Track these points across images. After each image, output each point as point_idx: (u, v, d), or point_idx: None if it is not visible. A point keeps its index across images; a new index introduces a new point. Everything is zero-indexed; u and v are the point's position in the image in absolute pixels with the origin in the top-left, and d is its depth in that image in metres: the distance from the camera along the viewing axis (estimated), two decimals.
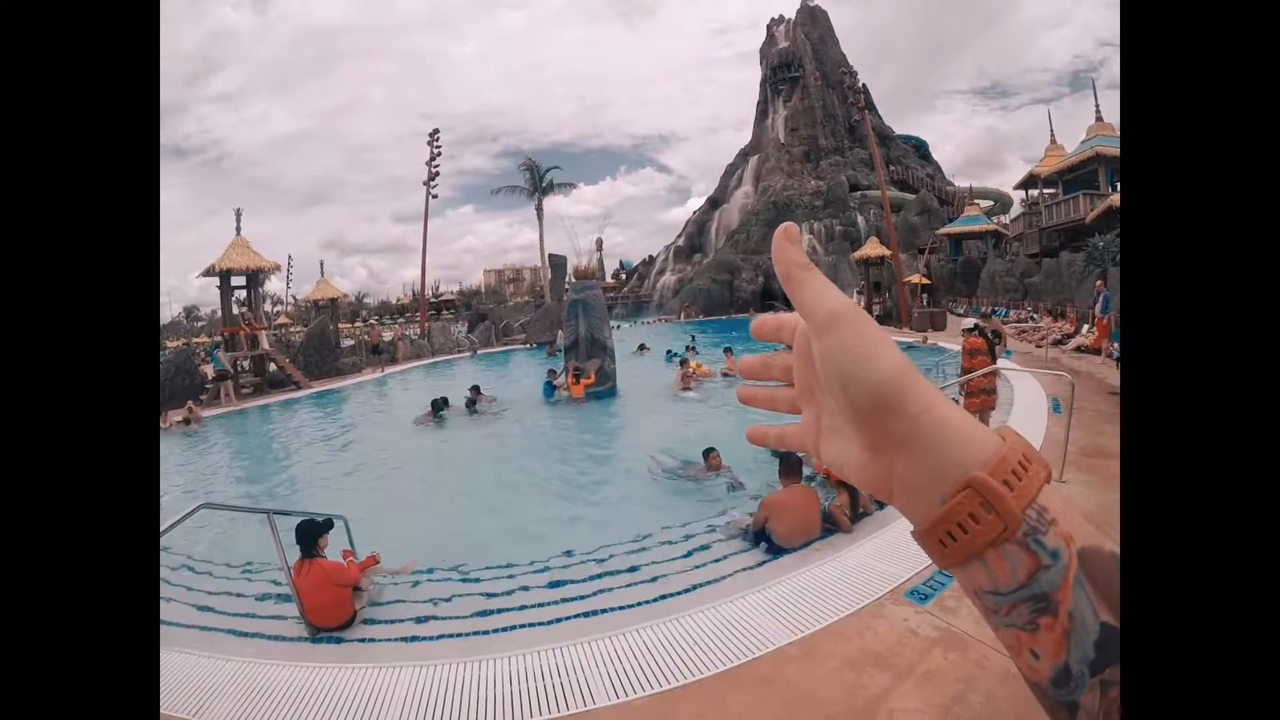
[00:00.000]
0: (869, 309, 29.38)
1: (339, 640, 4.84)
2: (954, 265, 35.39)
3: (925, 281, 28.87)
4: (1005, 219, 45.53)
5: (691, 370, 16.38)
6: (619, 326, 28.83)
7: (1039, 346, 17.84)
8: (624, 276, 67.03)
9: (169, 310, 68.72)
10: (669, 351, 22.79)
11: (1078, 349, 16.43)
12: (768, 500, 5.88)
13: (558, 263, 37.95)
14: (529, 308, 40.01)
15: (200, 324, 62.49)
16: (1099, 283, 17.38)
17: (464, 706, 3.73)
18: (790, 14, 68.82)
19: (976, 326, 9.62)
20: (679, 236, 64.66)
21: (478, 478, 10.26)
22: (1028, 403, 10.54)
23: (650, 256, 66.35)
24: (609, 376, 16.06)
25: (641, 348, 24.31)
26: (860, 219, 51.88)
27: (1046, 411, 9.71)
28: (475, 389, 15.14)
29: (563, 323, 17.80)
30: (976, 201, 42.13)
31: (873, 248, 30.43)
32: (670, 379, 16.86)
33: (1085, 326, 17.69)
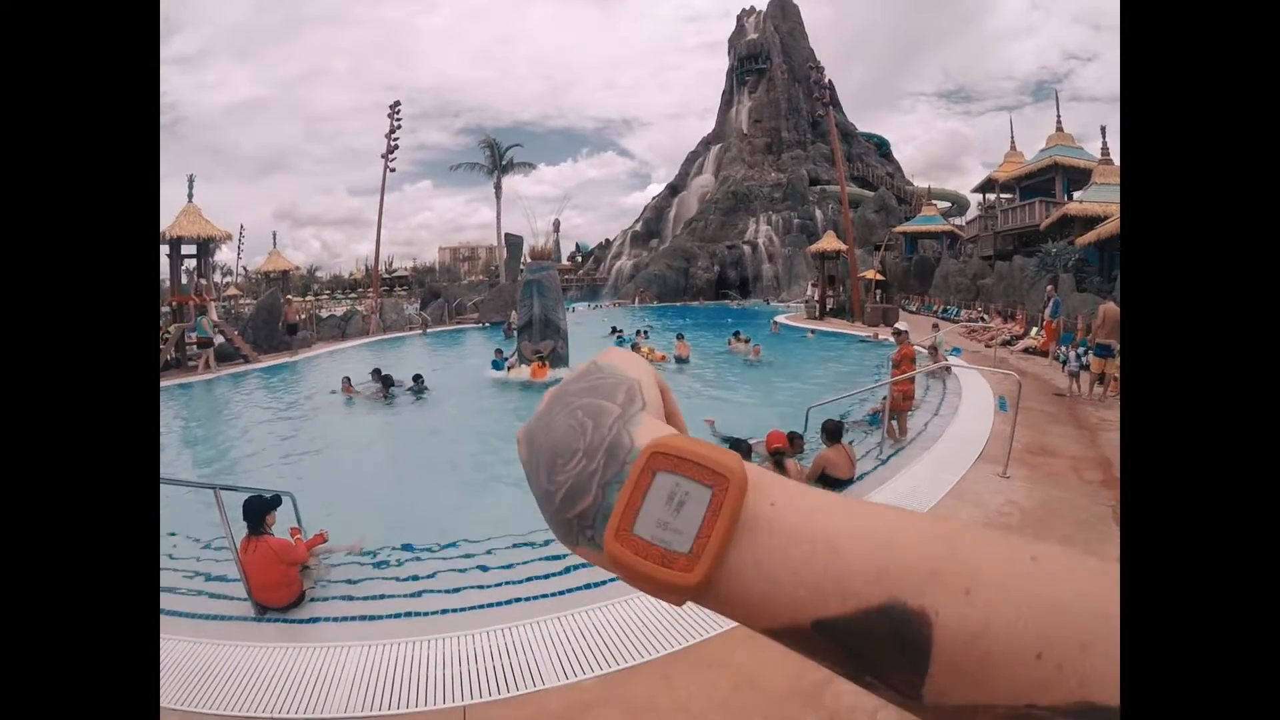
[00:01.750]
0: (823, 302, 29.69)
1: (286, 620, 4.71)
2: (909, 263, 35.98)
3: (879, 278, 29.29)
4: (961, 221, 46.45)
5: (644, 355, 16.36)
6: (573, 309, 28.67)
7: (988, 346, 18.19)
8: (580, 259, 66.82)
9: None
10: (618, 335, 22.86)
11: (1025, 350, 16.80)
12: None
13: (514, 242, 37.55)
14: (483, 287, 39.52)
15: None
16: (1049, 287, 17.85)
17: (413, 686, 3.68)
18: (762, 6, 69.16)
19: (899, 332, 9.86)
20: (637, 222, 64.65)
21: (427, 457, 10.15)
22: (975, 400, 10.69)
23: (607, 240, 66.37)
24: (561, 359, 15.94)
25: (615, 331, 24.08)
26: (818, 213, 52.37)
27: (993, 409, 9.82)
28: (417, 377, 14.65)
29: (516, 303, 17.54)
30: (934, 202, 42.86)
31: (829, 242, 30.67)
32: None
33: (1034, 329, 18.10)
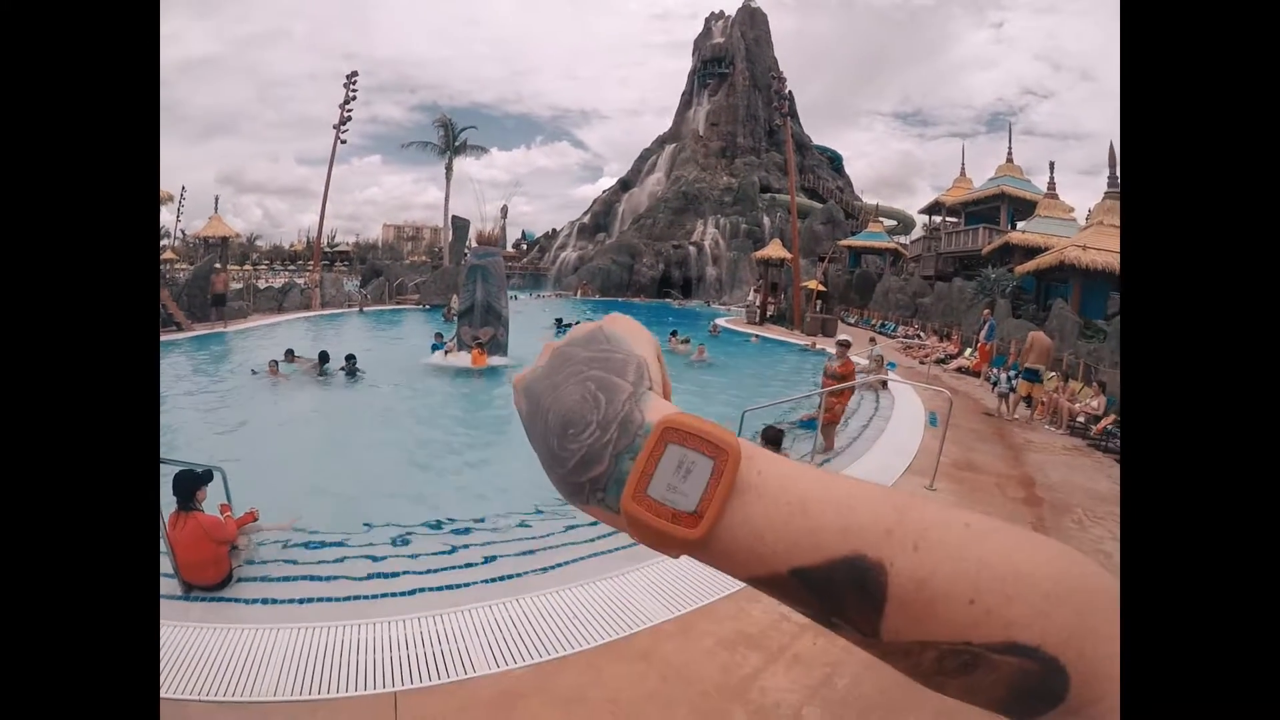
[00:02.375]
0: (764, 308, 30.00)
1: (214, 599, 4.54)
2: (851, 276, 36.60)
3: (821, 289, 29.73)
4: (906, 240, 47.34)
5: None
6: (516, 298, 28.38)
7: (922, 363, 18.65)
8: (525, 247, 66.21)
9: None
10: (558, 321, 22.73)
11: (959, 370, 17.28)
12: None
13: (460, 225, 36.98)
14: (426, 268, 38.82)
15: None
16: (986, 311, 18.41)
17: (342, 670, 3.63)
18: (731, 11, 69.40)
19: (844, 344, 9.92)
20: (585, 214, 64.44)
21: (360, 440, 9.92)
22: (906, 414, 10.92)
23: (554, 230, 65.83)
24: (501, 346, 15.73)
25: (559, 322, 23.78)
26: (766, 220, 52.90)
27: (923, 424, 10.04)
28: (350, 356, 14.06)
29: (459, 287, 17.23)
30: (881, 219, 43.73)
31: (775, 249, 31.05)
32: None
33: (968, 350, 18.60)
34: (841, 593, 0.40)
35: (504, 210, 54.03)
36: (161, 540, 4.51)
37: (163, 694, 3.35)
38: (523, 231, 70.49)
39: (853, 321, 30.38)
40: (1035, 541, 0.41)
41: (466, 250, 27.12)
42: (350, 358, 13.85)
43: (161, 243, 46.74)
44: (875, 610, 0.40)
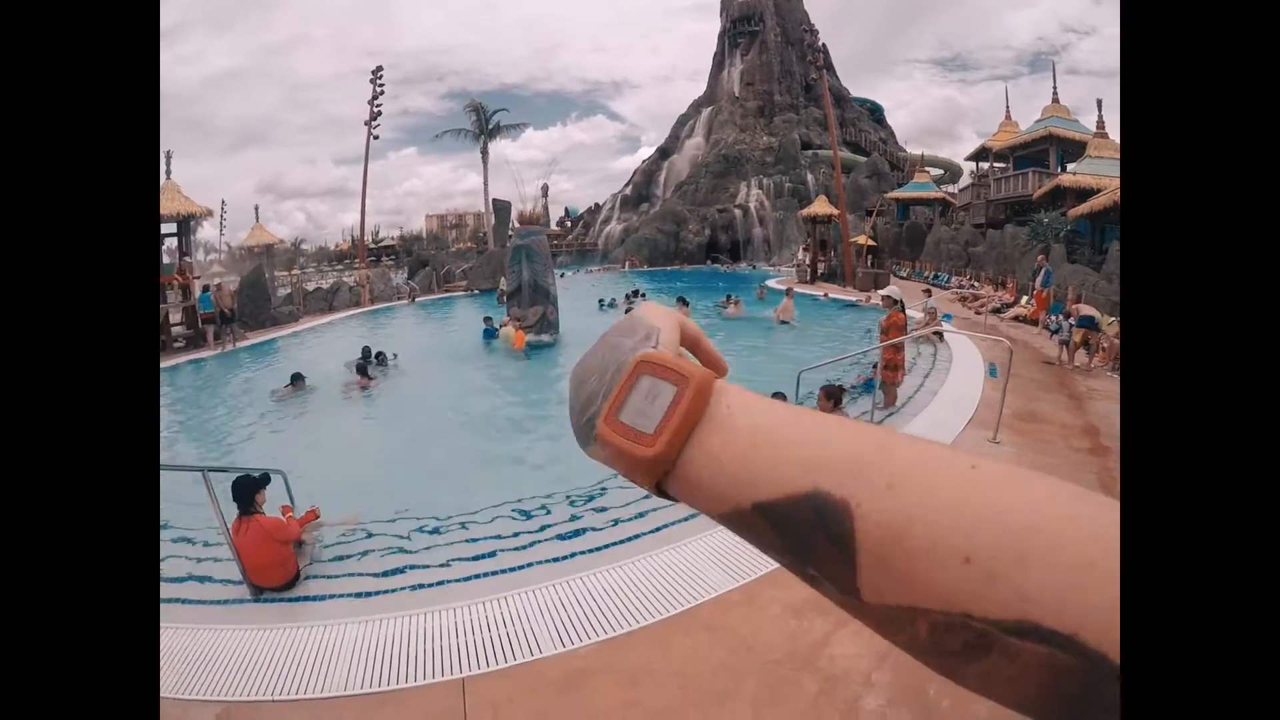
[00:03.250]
0: (814, 267, 29.55)
1: (283, 599, 4.67)
2: (900, 229, 35.75)
3: (871, 243, 29.11)
4: (954, 188, 46.10)
5: None
6: (563, 274, 28.41)
7: (978, 313, 18.16)
8: (569, 224, 66.18)
9: None
10: (600, 301, 22.67)
11: (1016, 318, 16.75)
12: None
13: (501, 208, 37.12)
14: (471, 254, 39.08)
15: None
16: (1040, 257, 17.80)
17: (412, 661, 3.69)
18: None
19: (893, 300, 9.59)
20: (626, 185, 63.94)
21: (418, 430, 10.01)
22: (965, 366, 10.69)
23: (596, 205, 65.60)
24: (552, 325, 15.80)
25: (601, 303, 23.07)
26: (810, 177, 51.89)
27: (983, 375, 9.81)
28: (379, 354, 13.78)
29: (505, 269, 17.32)
30: (927, 169, 42.46)
31: (821, 206, 30.46)
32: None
33: (1025, 298, 18.02)
34: (808, 536, 0.36)
35: (544, 189, 54.11)
36: (227, 546, 4.63)
37: (236, 697, 3.46)
38: (565, 209, 70.48)
39: (905, 275, 29.72)
40: (1080, 497, 0.32)
41: (510, 232, 27.22)
42: (380, 355, 13.67)
43: (208, 257, 47.92)
44: (847, 561, 0.35)
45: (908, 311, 9.91)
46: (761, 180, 53.03)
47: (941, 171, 52.14)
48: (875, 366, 8.92)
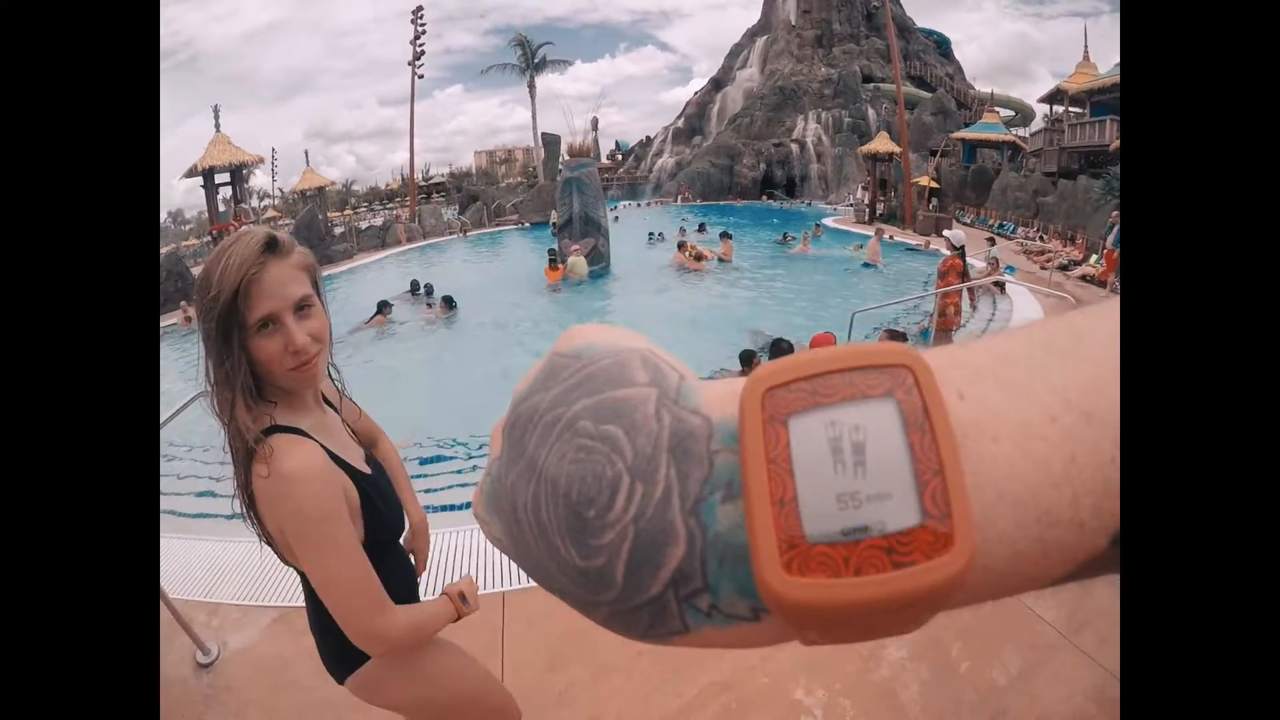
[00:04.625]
0: (873, 206, 28.69)
1: None
2: (965, 172, 34.25)
3: (934, 185, 28.13)
4: (1025, 132, 43.82)
5: (692, 251, 15.93)
6: (615, 208, 28.14)
7: (1043, 269, 17.23)
8: (620, 157, 65.36)
9: None
10: (650, 234, 22.36)
11: (1083, 278, 15.78)
12: None
13: (551, 141, 36.87)
14: (521, 188, 38.98)
15: (187, 226, 60.29)
16: (1114, 214, 16.65)
17: (461, 574, 3.75)
18: None
19: (955, 246, 9.14)
20: (678, 118, 62.45)
21: (469, 357, 10.29)
22: (1025, 321, 10.21)
23: (647, 138, 64.47)
24: (603, 256, 15.66)
25: (651, 236, 22.76)
26: (871, 112, 50.04)
27: None
28: (428, 286, 14.26)
29: (556, 202, 17.11)
30: (996, 109, 40.33)
31: (882, 143, 29.40)
32: (665, 261, 16.53)
33: (1094, 256, 17.05)
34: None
35: (594, 123, 53.23)
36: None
37: (293, 603, 3.58)
38: (616, 142, 69.48)
39: (968, 221, 28.61)
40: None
41: (560, 166, 27.01)
42: (427, 286, 14.01)
43: (262, 203, 48.93)
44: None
45: (969, 260, 9.47)
46: (819, 114, 51.31)
47: (1012, 113, 49.70)
48: (930, 315, 8.58)
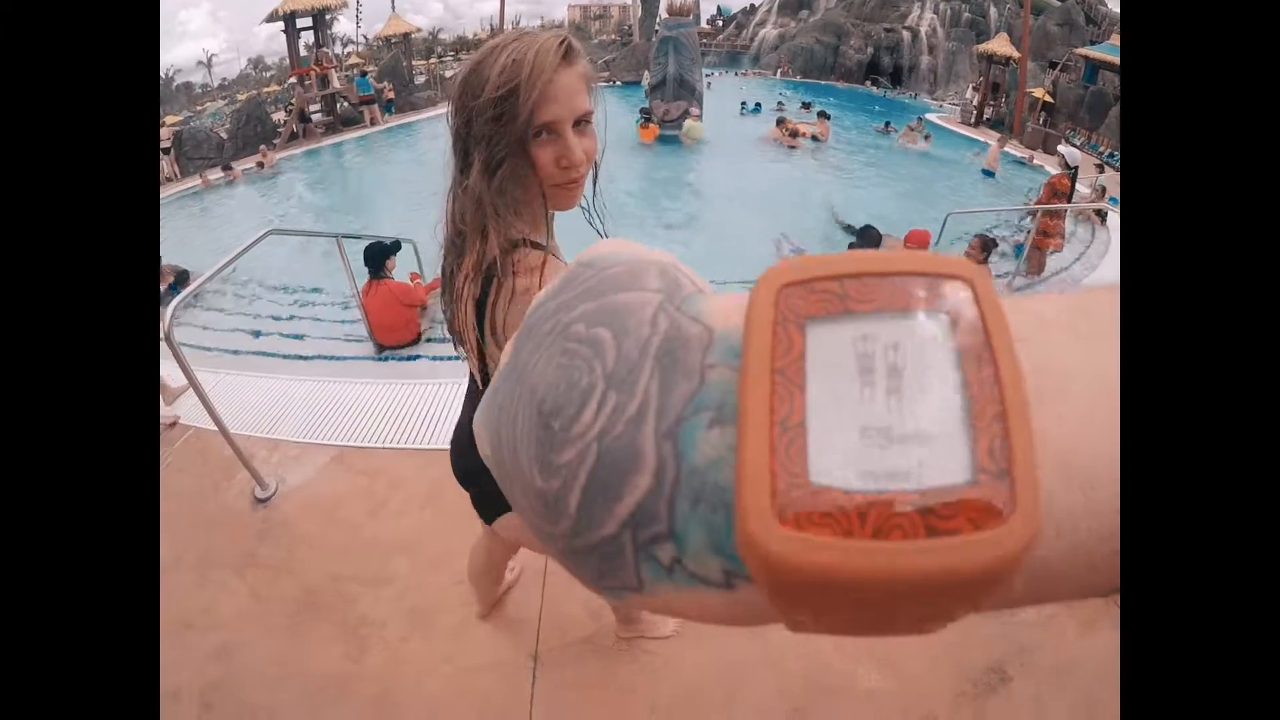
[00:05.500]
0: (980, 109, 27.22)
1: (403, 358, 4.98)
2: (1084, 92, 31.99)
3: (1048, 99, 26.45)
4: None
5: (789, 127, 15.46)
6: (711, 75, 27.16)
7: None
8: (721, 24, 62.38)
9: (237, 64, 66.94)
10: (743, 104, 21.54)
11: None
12: None
13: None
14: (615, 46, 37.68)
15: (269, 73, 58.43)
16: None
17: None
18: None
19: (1069, 165, 8.72)
20: None
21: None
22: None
23: (752, 5, 61.02)
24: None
25: (744, 106, 21.81)
26: (993, 10, 46.44)
27: None
28: None
29: (650, 61, 16.54)
30: None
31: (1000, 45, 27.50)
32: (761, 133, 16.05)
33: None
34: None
35: None
36: (356, 307, 5.02)
37: (350, 442, 3.66)
38: (718, 7, 65.98)
39: (1078, 144, 26.93)
40: None
41: (657, 25, 26.01)
42: None
43: (345, 49, 48.08)
44: None
45: (1077, 185, 9.06)
46: (937, 4, 48.00)
47: None
48: (1029, 232, 8.32)
